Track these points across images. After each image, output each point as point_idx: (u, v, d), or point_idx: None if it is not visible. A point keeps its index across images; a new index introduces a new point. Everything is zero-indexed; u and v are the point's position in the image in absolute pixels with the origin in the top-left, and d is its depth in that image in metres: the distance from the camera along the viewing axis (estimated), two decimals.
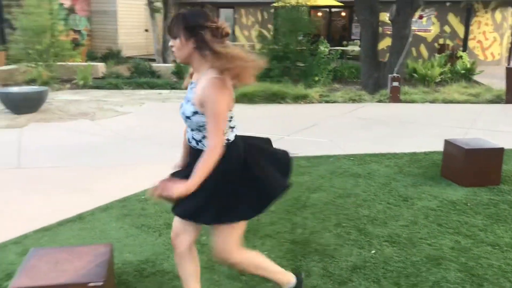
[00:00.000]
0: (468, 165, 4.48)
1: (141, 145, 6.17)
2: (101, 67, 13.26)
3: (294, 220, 3.74)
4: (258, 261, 2.39)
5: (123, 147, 6.14)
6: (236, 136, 2.22)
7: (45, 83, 10.66)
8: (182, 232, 2.30)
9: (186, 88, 2.25)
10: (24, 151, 5.89)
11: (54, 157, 5.64)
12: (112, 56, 17.73)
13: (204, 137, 2.12)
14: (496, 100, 9.94)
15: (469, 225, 3.64)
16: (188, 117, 2.11)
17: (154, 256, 3.14)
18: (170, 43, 2.12)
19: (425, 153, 5.72)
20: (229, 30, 2.18)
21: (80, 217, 3.76)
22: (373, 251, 3.21)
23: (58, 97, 9.83)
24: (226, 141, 2.14)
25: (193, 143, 2.19)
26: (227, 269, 2.97)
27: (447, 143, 4.80)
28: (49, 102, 8.84)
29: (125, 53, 18.64)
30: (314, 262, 3.07)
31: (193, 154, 2.20)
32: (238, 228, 2.23)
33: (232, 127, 2.20)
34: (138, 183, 4.54)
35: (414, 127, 7.48)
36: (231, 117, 2.18)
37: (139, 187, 4.41)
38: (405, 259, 3.11)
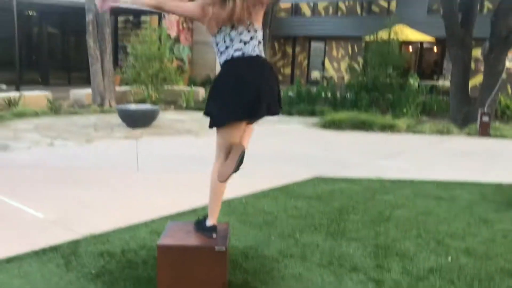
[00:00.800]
0: None
1: None
2: (201, 92, 14.48)
3: (377, 230, 4.18)
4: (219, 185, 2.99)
5: None
6: (233, 59, 2.79)
7: (153, 104, 11.94)
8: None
9: None
10: (141, 157, 6.85)
11: (167, 164, 6.53)
12: (209, 82, 19.13)
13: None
14: None
15: None
16: None
17: (256, 244, 3.74)
18: None
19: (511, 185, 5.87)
20: None
21: (193, 211, 4.48)
22: (449, 258, 3.57)
23: (165, 116, 10.98)
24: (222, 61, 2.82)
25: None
26: (318, 258, 3.49)
27: None
28: (158, 120, 9.96)
29: None
30: (395, 262, 3.49)
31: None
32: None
33: (221, 51, 2.81)
34: (239, 189, 5.22)
35: (502, 160, 7.54)
36: (217, 43, 2.81)
37: (240, 192, 5.08)
38: (479, 268, 3.44)
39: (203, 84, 18.65)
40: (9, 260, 3.27)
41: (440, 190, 5.51)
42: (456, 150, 8.30)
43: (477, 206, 4.94)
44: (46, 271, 3.16)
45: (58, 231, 3.89)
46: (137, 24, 20.11)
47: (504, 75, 17.77)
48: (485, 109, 10.18)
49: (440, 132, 10.12)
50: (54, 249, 3.49)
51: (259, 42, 2.86)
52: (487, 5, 19.54)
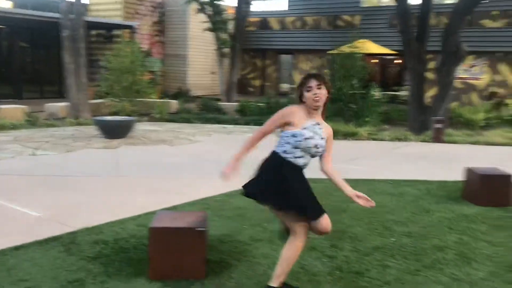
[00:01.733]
0: (482, 188, 5.43)
1: (212, 164, 7.51)
2: (174, 104, 15.03)
3: (334, 218, 4.76)
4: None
5: (198, 165, 7.51)
6: None
7: (127, 116, 12.41)
8: None
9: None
10: (121, 165, 7.37)
11: (145, 170, 7.07)
12: (181, 94, 19.68)
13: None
14: None
15: (474, 230, 4.60)
16: (324, 150, 3.19)
17: (230, 232, 4.35)
18: (317, 91, 3.03)
19: (454, 181, 6.63)
20: None
21: (174, 207, 5.05)
22: (392, 239, 4.26)
23: (139, 127, 11.47)
24: None
25: (305, 165, 3.21)
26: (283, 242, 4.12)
27: (468, 170, 5.77)
28: (134, 131, 10.46)
29: (193, 92, 20.57)
30: (346, 243, 4.16)
31: (294, 168, 3.18)
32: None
33: None
34: (214, 190, 5.83)
35: (451, 162, 8.37)
36: None
37: (215, 192, 5.70)
38: (416, 245, 4.14)
39: (175, 96, 19.18)
40: (17, 248, 3.78)
41: (391, 188, 6.25)
42: (410, 155, 9.12)
43: (422, 200, 5.68)
44: (50, 256, 3.69)
45: (55, 226, 4.40)
46: (109, 38, 20.55)
47: (461, 85, 18.97)
48: (439, 117, 11.09)
49: (399, 138, 10.96)
50: (54, 239, 4.02)
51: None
52: (443, 20, 20.81)
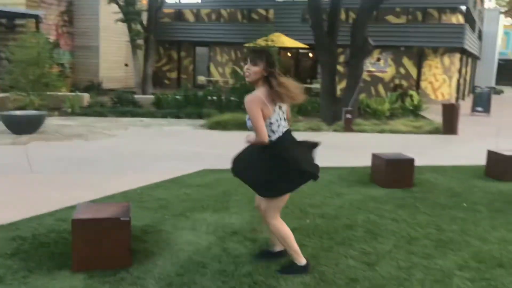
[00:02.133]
0: (388, 172, 5.92)
1: (130, 158, 7.43)
2: (86, 97, 14.50)
3: (254, 205, 5.05)
4: (286, 234, 3.42)
5: (116, 159, 7.38)
6: (280, 137, 3.24)
7: (35, 110, 11.78)
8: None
9: None
10: (32, 161, 7.06)
11: (60, 167, 6.84)
12: (93, 88, 18.96)
13: None
14: (435, 131, 11.59)
15: (380, 209, 5.04)
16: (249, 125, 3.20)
17: (152, 223, 4.40)
18: (247, 66, 3.09)
19: (363, 167, 7.14)
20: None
21: (93, 201, 4.97)
22: (307, 221, 4.56)
23: (51, 122, 10.96)
24: (270, 140, 3.16)
25: None
26: (205, 228, 4.25)
27: (374, 156, 6.26)
28: (44, 126, 9.99)
29: (105, 85, 19.91)
30: (266, 227, 4.37)
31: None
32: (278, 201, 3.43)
33: (273, 131, 3.18)
34: (133, 183, 5.81)
35: (360, 150, 8.96)
36: (271, 123, 3.14)
37: (135, 185, 5.68)
38: (329, 225, 4.47)
39: (86, 89, 18.45)
40: None
41: None
42: (323, 143, 9.56)
43: (334, 184, 6.07)
44: None
45: None
46: (11, 28, 19.23)
47: (368, 78, 20.13)
48: (349, 108, 11.77)
49: (312, 129, 11.48)
50: None
51: None
52: (352, 15, 21.92)
